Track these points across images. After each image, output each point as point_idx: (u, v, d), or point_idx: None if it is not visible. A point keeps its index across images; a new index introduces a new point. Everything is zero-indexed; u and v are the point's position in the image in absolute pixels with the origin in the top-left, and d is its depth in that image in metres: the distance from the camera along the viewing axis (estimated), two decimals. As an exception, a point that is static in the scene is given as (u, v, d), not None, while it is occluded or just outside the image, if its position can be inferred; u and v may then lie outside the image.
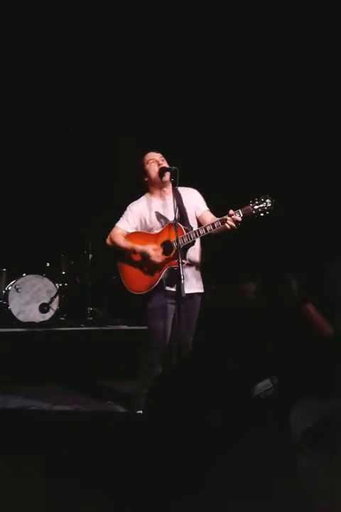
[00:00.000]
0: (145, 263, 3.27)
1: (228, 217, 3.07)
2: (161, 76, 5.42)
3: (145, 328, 3.44)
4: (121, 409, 3.66)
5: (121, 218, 3.42)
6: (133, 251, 3.29)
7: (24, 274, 5.24)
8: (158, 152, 3.40)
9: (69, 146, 5.84)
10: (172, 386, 1.58)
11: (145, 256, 3.24)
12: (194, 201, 3.38)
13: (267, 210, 3.08)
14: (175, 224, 3.13)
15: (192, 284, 3.27)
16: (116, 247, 3.37)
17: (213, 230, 3.14)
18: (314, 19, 4.74)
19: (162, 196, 3.38)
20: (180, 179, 3.17)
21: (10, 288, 5.16)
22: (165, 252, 3.23)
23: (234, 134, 5.35)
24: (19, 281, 5.17)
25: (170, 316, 3.25)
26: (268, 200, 3.08)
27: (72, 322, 5.28)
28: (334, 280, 4.21)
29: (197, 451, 1.46)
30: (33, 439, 2.00)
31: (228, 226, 3.06)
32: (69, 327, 5.08)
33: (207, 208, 3.40)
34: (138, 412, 3.14)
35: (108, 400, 3.95)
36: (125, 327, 5.12)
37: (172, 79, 5.38)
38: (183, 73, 5.35)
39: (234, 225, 3.05)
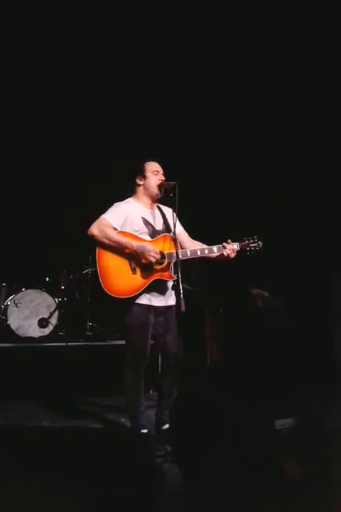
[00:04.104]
0: (134, 264, 3.14)
1: (226, 245, 3.22)
2: (158, 92, 5.47)
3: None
4: (122, 425, 3.65)
5: (107, 212, 3.25)
6: (131, 246, 3.12)
7: (23, 289, 5.24)
8: (161, 166, 3.41)
9: (68, 161, 5.87)
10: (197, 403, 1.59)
11: (143, 253, 3.09)
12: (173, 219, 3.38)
13: (257, 251, 3.30)
14: (175, 239, 3.14)
15: (172, 296, 3.20)
16: (105, 239, 3.14)
17: (209, 253, 3.24)
18: (314, 26, 4.77)
19: (149, 206, 3.38)
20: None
21: (9, 303, 5.15)
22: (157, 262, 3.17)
23: (229, 152, 5.38)
24: (18, 295, 5.17)
25: (150, 332, 3.21)
26: (260, 242, 3.30)
27: (70, 337, 5.27)
28: (338, 292, 4.22)
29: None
30: (34, 456, 1.99)
31: (225, 253, 3.21)
32: (68, 342, 5.06)
33: (182, 228, 3.45)
34: (143, 431, 3.14)
35: (108, 415, 3.94)
36: (124, 342, 5.10)
37: (170, 91, 5.43)
38: (180, 86, 5.40)
39: (230, 253, 3.21)
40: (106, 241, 3.14)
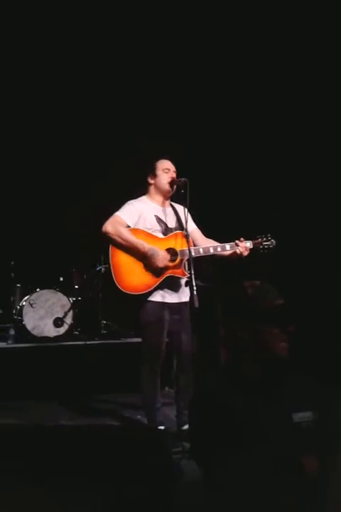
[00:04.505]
0: (146, 263, 3.16)
1: (239, 243, 3.21)
2: (162, 91, 5.45)
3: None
4: (138, 422, 3.66)
5: (121, 210, 3.28)
6: (142, 247, 3.13)
7: (38, 289, 5.27)
8: (173, 164, 3.41)
9: (79, 161, 5.89)
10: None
11: (153, 256, 3.11)
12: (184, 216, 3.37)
13: (271, 250, 3.28)
14: (186, 235, 3.15)
15: (185, 293, 3.22)
16: (118, 237, 3.17)
17: (222, 251, 3.24)
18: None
19: (162, 204, 3.38)
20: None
21: (24, 303, 5.19)
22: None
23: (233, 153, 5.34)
24: (33, 296, 5.21)
25: (166, 329, 3.22)
26: (273, 241, 3.29)
27: (86, 336, 5.30)
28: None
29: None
30: (52, 456, 2.00)
31: (238, 251, 3.21)
32: (84, 341, 5.09)
33: (195, 226, 3.44)
34: (160, 427, 3.15)
35: (124, 413, 3.96)
36: (139, 339, 5.12)
37: (172, 91, 5.41)
38: (181, 86, 5.38)
39: (243, 251, 3.20)
40: (119, 239, 3.18)
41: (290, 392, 1.58)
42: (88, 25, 5.04)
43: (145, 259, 3.16)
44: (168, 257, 3.16)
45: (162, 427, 3.17)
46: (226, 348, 1.69)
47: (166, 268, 3.17)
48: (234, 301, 1.70)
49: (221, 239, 3.34)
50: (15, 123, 5.64)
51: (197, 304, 2.95)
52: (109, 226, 3.19)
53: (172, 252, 3.21)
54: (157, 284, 3.17)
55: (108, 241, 3.22)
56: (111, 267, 3.19)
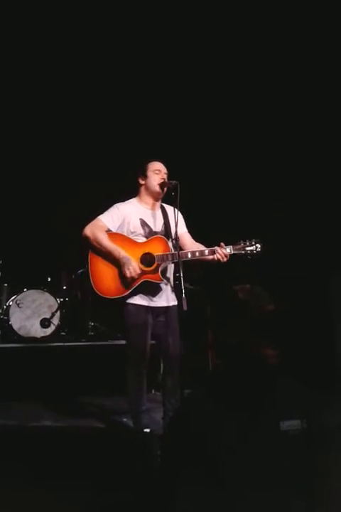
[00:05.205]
0: (121, 270, 3.19)
1: (218, 249, 3.16)
2: (159, 91, 5.46)
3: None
4: (124, 425, 3.65)
5: (105, 213, 3.31)
6: (117, 254, 3.17)
7: (25, 289, 5.23)
8: (166, 167, 3.40)
9: (68, 161, 5.87)
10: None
11: (124, 265, 3.13)
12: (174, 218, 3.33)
13: (255, 255, 3.18)
14: (176, 239, 3.13)
15: (170, 297, 3.25)
16: (95, 242, 3.21)
17: (200, 256, 3.20)
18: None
19: (151, 206, 3.37)
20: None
21: (11, 303, 5.15)
22: (144, 264, 3.18)
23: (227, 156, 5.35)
24: (20, 296, 5.16)
25: (150, 332, 3.23)
26: (258, 245, 3.18)
27: (73, 337, 5.26)
28: (337, 296, 4.19)
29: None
30: (35, 455, 1.99)
31: (216, 258, 3.15)
32: (71, 342, 5.05)
33: (186, 230, 3.41)
34: (145, 430, 3.14)
35: (110, 415, 3.94)
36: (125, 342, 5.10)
37: (170, 91, 5.42)
38: (181, 86, 5.39)
39: (221, 258, 3.14)
40: (97, 245, 3.22)
41: (280, 399, 1.55)
42: (87, 25, 5.04)
43: (119, 265, 3.18)
44: (138, 270, 3.15)
45: (147, 430, 3.16)
46: (216, 352, 1.66)
47: (143, 271, 3.17)
48: (225, 305, 1.68)
49: (219, 242, 3.26)
50: (2, 123, 5.60)
51: (185, 307, 2.95)
52: (88, 230, 3.24)
53: (148, 257, 3.19)
54: (132, 288, 3.18)
55: (87, 245, 3.26)
56: (89, 271, 3.23)
